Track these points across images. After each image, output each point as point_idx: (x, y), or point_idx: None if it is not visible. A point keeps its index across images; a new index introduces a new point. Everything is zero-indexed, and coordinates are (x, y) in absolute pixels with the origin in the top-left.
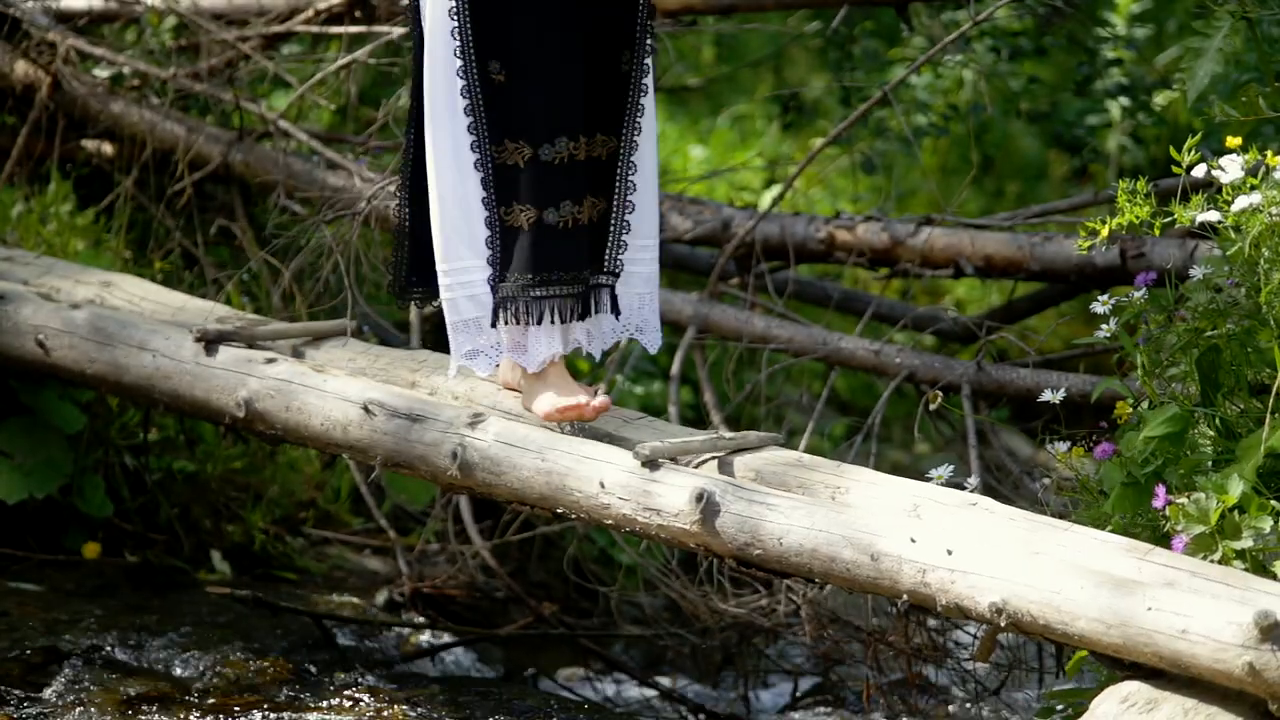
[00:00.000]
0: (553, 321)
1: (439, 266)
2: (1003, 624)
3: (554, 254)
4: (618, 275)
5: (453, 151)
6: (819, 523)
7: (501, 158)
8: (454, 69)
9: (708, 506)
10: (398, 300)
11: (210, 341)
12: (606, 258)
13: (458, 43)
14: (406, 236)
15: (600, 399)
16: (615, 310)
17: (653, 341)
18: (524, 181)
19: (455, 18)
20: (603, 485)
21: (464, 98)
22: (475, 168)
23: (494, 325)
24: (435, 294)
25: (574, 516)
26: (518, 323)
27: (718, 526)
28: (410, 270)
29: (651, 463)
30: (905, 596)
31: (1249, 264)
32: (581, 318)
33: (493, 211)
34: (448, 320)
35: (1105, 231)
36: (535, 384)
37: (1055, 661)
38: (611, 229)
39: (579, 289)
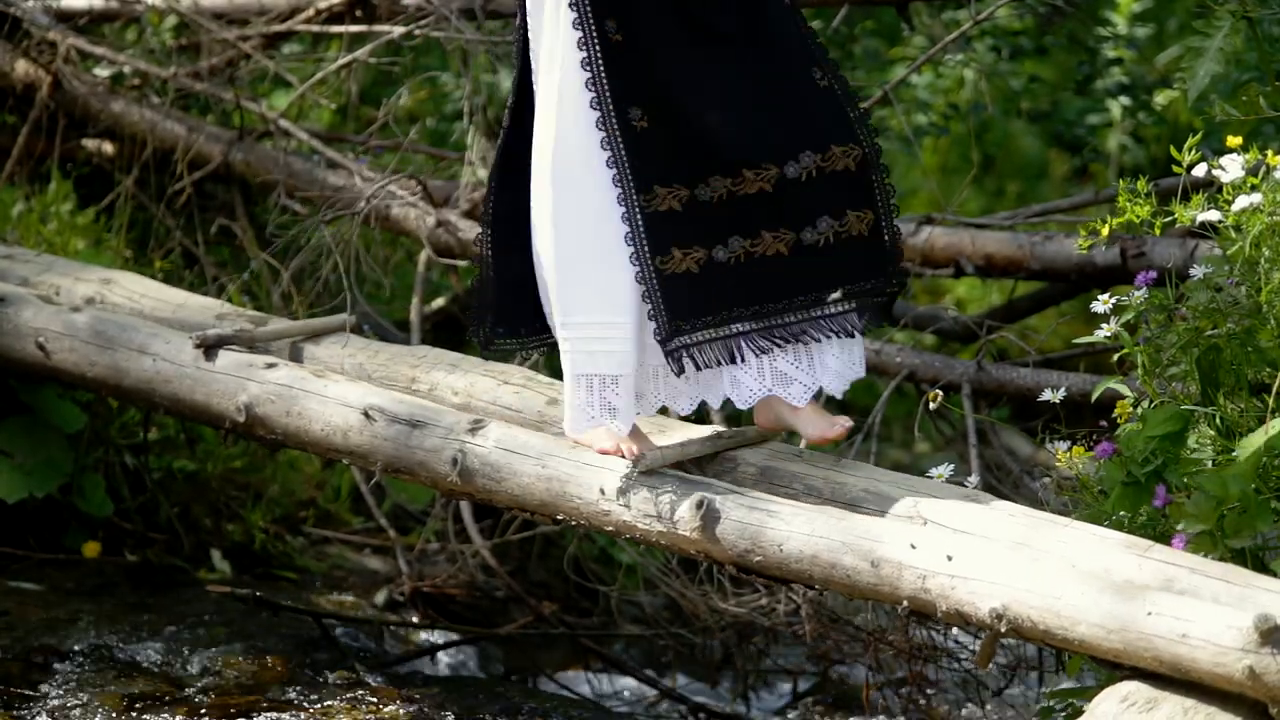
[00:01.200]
0: (734, 361)
1: (558, 320)
2: (1003, 629)
3: (732, 291)
4: (903, 283)
5: (586, 205)
6: (820, 529)
7: (653, 205)
8: (590, 120)
9: (708, 514)
10: (483, 350)
11: (210, 347)
12: (861, 272)
13: (593, 93)
14: (493, 287)
15: (838, 427)
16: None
17: (849, 374)
18: (684, 225)
19: (589, 68)
20: (603, 492)
21: (605, 149)
22: (622, 220)
23: (680, 374)
24: (528, 345)
25: (574, 523)
26: (710, 365)
27: (718, 534)
28: (497, 321)
29: (651, 470)
30: (906, 603)
31: (1249, 263)
32: (784, 341)
33: (645, 264)
34: (571, 375)
35: (1106, 231)
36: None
37: (1055, 661)
38: (866, 238)
39: (764, 325)
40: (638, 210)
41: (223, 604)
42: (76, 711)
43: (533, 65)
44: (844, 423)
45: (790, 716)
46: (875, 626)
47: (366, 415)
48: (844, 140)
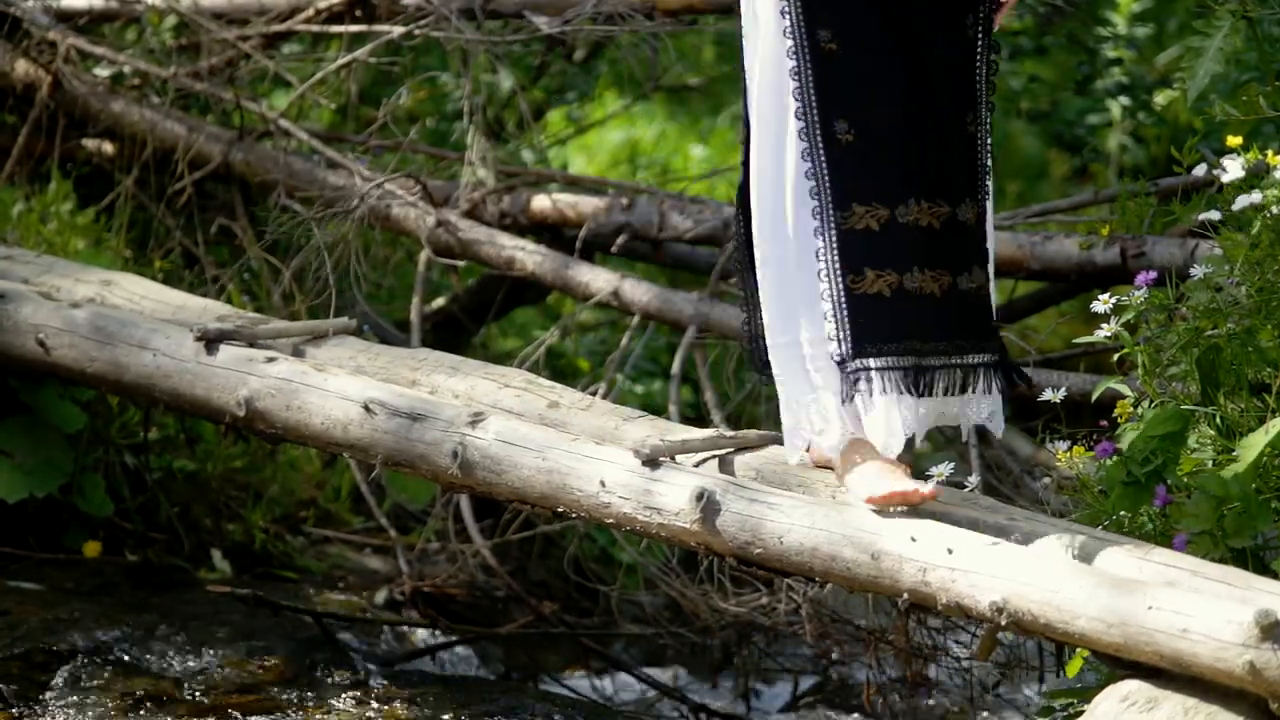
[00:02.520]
0: (922, 393)
1: (771, 340)
2: (1003, 623)
3: (918, 321)
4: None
5: (787, 217)
6: (820, 521)
7: (849, 223)
8: (793, 131)
9: (708, 505)
10: (761, 378)
11: (211, 340)
12: (986, 330)
13: (799, 102)
14: (755, 306)
15: (930, 486)
16: (1007, 385)
17: (999, 425)
18: (880, 246)
19: (797, 77)
20: (603, 484)
21: (806, 160)
22: (814, 235)
23: (847, 401)
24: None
25: (574, 515)
26: (872, 395)
27: (718, 525)
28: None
29: (652, 461)
30: (906, 595)
31: (1250, 262)
32: (947, 391)
33: (834, 281)
34: (785, 395)
35: (1106, 231)
36: (857, 462)
37: (1056, 660)
38: (981, 299)
39: (947, 361)
40: (833, 227)
41: (223, 604)
42: (77, 711)
43: (745, 76)
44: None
45: (791, 716)
46: (876, 626)
47: (367, 409)
48: (975, 194)
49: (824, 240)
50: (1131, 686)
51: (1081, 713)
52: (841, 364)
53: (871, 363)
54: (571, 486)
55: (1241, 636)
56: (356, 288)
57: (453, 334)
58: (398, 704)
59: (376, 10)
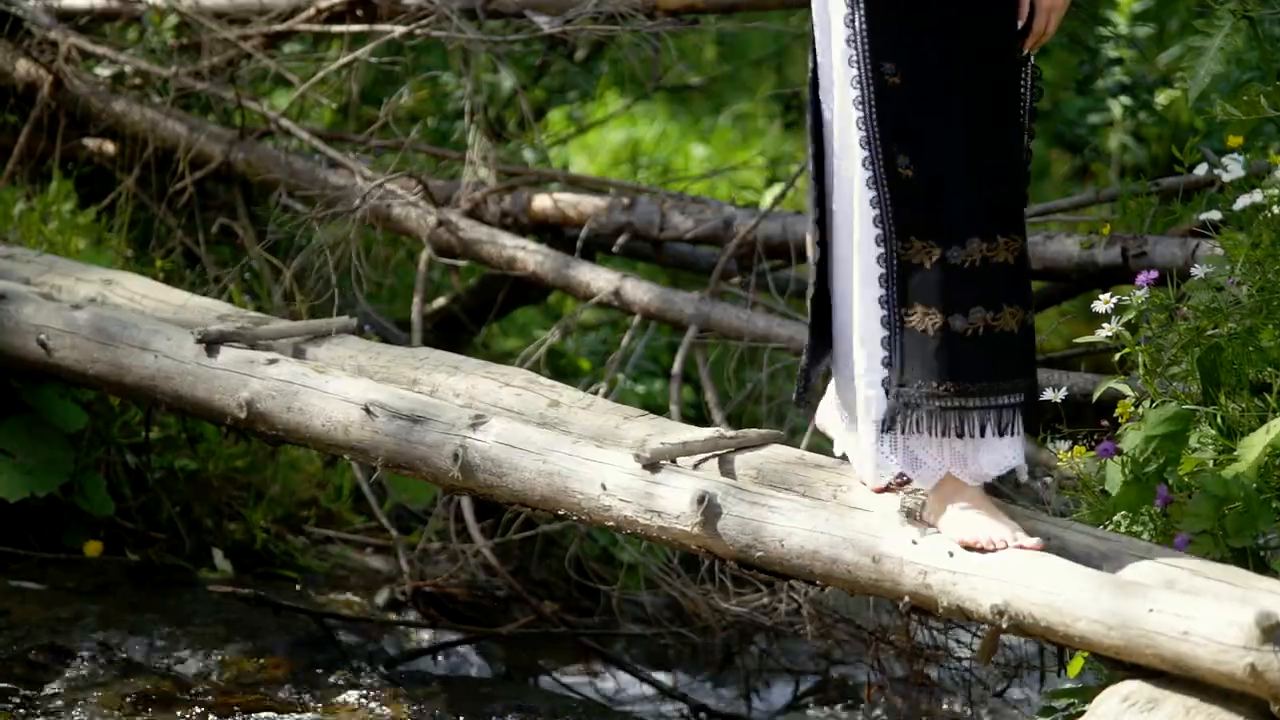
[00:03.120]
0: (960, 435)
1: (859, 368)
2: (1004, 625)
3: (962, 363)
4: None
5: (853, 243)
6: (821, 525)
7: (907, 255)
8: (857, 160)
9: (709, 509)
10: (797, 401)
11: (211, 343)
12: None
13: (863, 133)
14: (818, 333)
15: (1034, 540)
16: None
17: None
18: (930, 284)
19: (860, 107)
20: (604, 487)
21: (870, 189)
22: (877, 262)
23: (885, 432)
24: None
25: (575, 518)
26: (916, 433)
27: (719, 529)
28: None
29: (653, 465)
30: (907, 598)
31: (1251, 262)
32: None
33: (891, 310)
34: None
35: (1107, 230)
36: (956, 500)
37: (1057, 660)
38: (1017, 335)
39: (991, 401)
40: (894, 256)
41: (224, 603)
42: (78, 711)
43: (822, 103)
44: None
45: (792, 716)
46: (877, 626)
47: (368, 411)
48: (1019, 230)
49: (886, 268)
50: (1132, 686)
51: (1082, 713)
52: (889, 393)
53: (912, 397)
54: (572, 489)
55: (1243, 639)
56: (358, 287)
57: (454, 333)
58: (399, 703)
59: (378, 10)
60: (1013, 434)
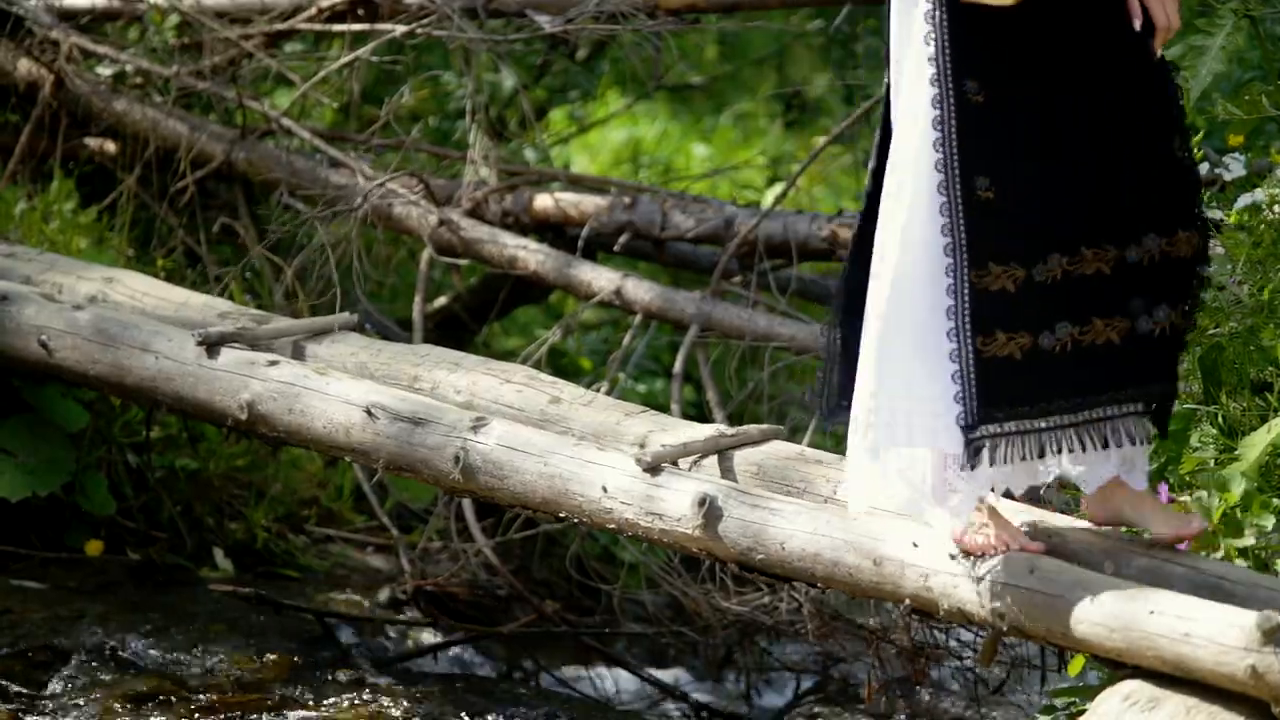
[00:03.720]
0: (1056, 453)
1: (874, 388)
2: (1005, 629)
3: (1053, 382)
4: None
5: (921, 273)
6: (822, 527)
7: (984, 283)
8: (932, 184)
9: (710, 511)
10: (827, 421)
11: (213, 344)
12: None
13: (940, 155)
14: (839, 357)
15: (1035, 544)
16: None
17: (1140, 480)
18: (1015, 307)
19: (939, 128)
20: (605, 490)
21: (943, 216)
22: (947, 293)
23: (971, 468)
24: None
25: (576, 521)
26: (1007, 462)
27: (720, 531)
28: (841, 394)
29: (654, 467)
30: (908, 601)
31: (1252, 261)
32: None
33: (963, 342)
34: (877, 445)
35: None
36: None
37: (1058, 659)
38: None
39: (1086, 417)
40: (966, 286)
41: (225, 602)
42: (79, 710)
43: (891, 123)
44: (1199, 523)
45: (793, 715)
46: (878, 625)
47: (369, 413)
48: (1190, 225)
49: (956, 299)
50: (1133, 686)
51: (1084, 712)
52: (965, 429)
53: (996, 429)
54: (573, 492)
55: (1243, 641)
56: (359, 286)
57: (455, 333)
58: (399, 702)
59: (379, 9)
60: (1130, 441)
